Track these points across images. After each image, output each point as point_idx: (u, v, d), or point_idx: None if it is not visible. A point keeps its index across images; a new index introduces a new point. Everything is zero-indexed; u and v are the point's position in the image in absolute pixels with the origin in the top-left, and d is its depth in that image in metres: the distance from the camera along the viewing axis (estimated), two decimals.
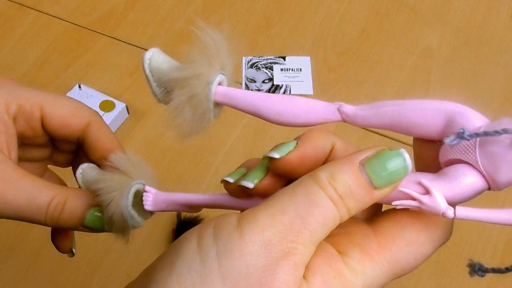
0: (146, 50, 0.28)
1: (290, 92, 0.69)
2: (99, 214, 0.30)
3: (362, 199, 0.21)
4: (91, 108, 0.33)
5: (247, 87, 0.69)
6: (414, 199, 0.22)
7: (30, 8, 0.78)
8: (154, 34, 0.75)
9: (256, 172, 0.26)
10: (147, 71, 0.28)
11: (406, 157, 0.21)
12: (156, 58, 0.28)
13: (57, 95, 0.32)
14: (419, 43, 0.75)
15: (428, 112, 0.23)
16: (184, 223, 0.57)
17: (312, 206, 0.21)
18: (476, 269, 0.23)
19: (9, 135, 0.30)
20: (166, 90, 0.27)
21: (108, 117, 0.64)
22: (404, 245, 0.22)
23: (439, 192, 0.21)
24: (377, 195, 0.22)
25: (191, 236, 0.21)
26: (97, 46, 0.74)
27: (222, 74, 0.27)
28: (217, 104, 0.27)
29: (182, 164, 0.63)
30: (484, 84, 0.71)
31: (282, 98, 0.26)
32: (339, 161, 0.22)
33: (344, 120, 0.25)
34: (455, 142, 0.21)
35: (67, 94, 0.66)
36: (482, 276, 0.23)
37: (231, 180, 0.26)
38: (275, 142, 0.28)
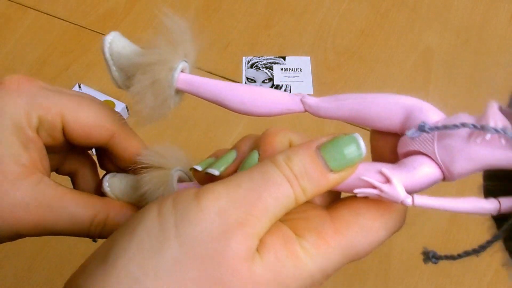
0: None
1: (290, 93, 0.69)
2: None
3: (318, 180, 0.22)
4: (115, 114, 0.31)
5: None
6: (374, 187, 0.23)
7: (30, 8, 0.78)
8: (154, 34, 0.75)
9: (222, 161, 0.27)
10: (107, 55, 0.27)
11: (360, 142, 0.23)
12: (117, 42, 0.27)
13: (79, 99, 0.30)
14: (419, 43, 0.75)
15: (388, 106, 0.25)
16: None
17: (267, 181, 0.22)
18: (430, 256, 0.24)
19: (39, 150, 0.29)
20: (127, 75, 0.27)
21: None
22: (359, 231, 0.23)
23: (399, 181, 0.22)
24: (332, 179, 0.23)
25: (151, 207, 0.22)
26: (97, 46, 0.74)
27: (185, 61, 0.27)
28: (178, 92, 0.27)
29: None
30: (484, 84, 0.71)
31: (246, 88, 0.27)
32: (297, 146, 0.23)
33: (306, 111, 0.26)
34: (416, 134, 0.23)
35: None
36: (436, 263, 0.24)
37: (199, 168, 0.27)
38: None
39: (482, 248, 0.23)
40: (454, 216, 0.59)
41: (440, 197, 0.22)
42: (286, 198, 0.22)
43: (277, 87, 0.70)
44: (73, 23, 0.77)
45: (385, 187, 0.22)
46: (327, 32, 0.77)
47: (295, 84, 0.70)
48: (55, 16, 0.78)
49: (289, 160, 0.22)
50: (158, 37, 0.27)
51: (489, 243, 0.23)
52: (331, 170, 0.22)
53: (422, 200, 0.22)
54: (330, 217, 0.24)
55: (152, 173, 0.28)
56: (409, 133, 0.23)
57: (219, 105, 0.27)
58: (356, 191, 0.23)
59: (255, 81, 0.70)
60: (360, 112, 0.25)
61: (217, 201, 0.21)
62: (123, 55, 0.27)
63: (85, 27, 0.76)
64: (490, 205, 0.22)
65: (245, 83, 0.70)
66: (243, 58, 0.73)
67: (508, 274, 0.23)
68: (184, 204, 0.21)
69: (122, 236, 0.22)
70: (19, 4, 0.79)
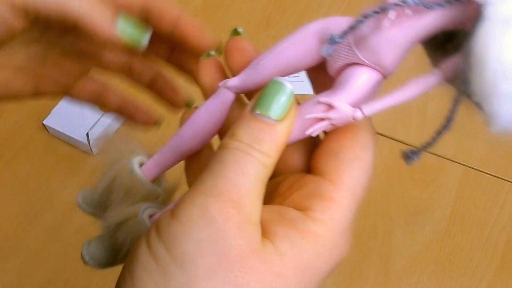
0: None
1: None
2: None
3: (270, 138, 0.22)
4: None
5: None
6: (322, 119, 0.22)
7: None
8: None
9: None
10: (84, 206, 0.30)
11: (282, 80, 0.23)
12: (84, 193, 0.30)
13: None
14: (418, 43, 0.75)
15: (300, 42, 0.24)
16: None
17: (224, 163, 0.21)
18: (410, 155, 0.23)
19: None
20: (109, 207, 0.29)
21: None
22: (351, 167, 0.23)
23: (339, 100, 0.22)
24: (282, 128, 0.22)
25: (141, 243, 0.22)
26: None
27: (137, 155, 0.29)
28: (154, 180, 0.29)
29: (182, 164, 0.63)
30: None
31: (186, 128, 0.27)
32: (235, 123, 0.23)
33: (237, 94, 0.26)
34: (330, 49, 0.22)
35: None
36: (418, 158, 0.23)
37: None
38: None
39: (448, 121, 0.22)
40: (454, 216, 0.59)
41: (385, 96, 0.22)
42: (254, 168, 0.21)
43: None
44: None
45: (331, 114, 0.22)
46: None
47: (295, 84, 0.70)
48: None
49: (234, 136, 0.22)
50: (103, 158, 0.29)
51: (454, 109, 0.22)
52: (276, 121, 0.22)
53: (370, 107, 0.22)
54: (320, 175, 0.23)
55: (124, 229, 0.28)
56: (323, 51, 0.22)
57: (187, 156, 0.28)
58: (307, 132, 0.23)
59: None
60: (281, 63, 0.25)
61: (193, 207, 0.20)
62: (94, 199, 0.30)
63: None
64: (435, 77, 0.22)
65: None
66: None
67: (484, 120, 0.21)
68: (165, 227, 0.21)
69: (124, 281, 0.21)
70: None
